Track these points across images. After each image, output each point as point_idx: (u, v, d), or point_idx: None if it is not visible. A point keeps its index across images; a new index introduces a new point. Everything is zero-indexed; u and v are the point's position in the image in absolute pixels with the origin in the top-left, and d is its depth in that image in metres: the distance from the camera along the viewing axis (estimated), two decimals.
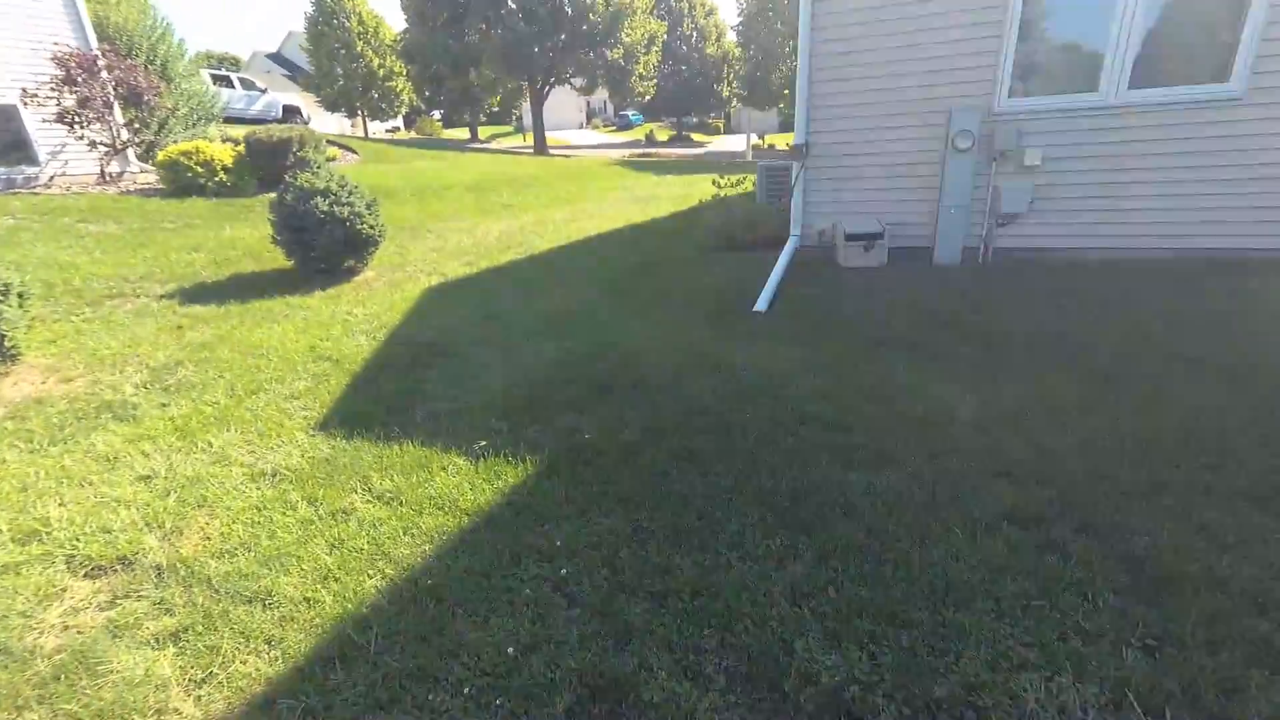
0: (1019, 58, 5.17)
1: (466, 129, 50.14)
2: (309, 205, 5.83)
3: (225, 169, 8.88)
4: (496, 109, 53.63)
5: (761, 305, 4.93)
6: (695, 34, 43.18)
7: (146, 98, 9.26)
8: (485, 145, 36.85)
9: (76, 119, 8.45)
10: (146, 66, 10.83)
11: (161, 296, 5.54)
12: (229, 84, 21.33)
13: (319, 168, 6.21)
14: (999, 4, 5.08)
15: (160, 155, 8.69)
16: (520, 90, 32.57)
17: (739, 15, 27.38)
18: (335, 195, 6.01)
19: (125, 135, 9.72)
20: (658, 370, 3.81)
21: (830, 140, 5.91)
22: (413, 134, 53.12)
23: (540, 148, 27.43)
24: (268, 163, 9.42)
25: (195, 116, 12.20)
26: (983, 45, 5.22)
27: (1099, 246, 5.42)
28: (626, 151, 32.31)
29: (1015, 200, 5.43)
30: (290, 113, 23.41)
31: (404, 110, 43.63)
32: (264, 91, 22.82)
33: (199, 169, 8.62)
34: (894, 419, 3.07)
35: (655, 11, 28.62)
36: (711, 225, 6.99)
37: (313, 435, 3.22)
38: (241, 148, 9.41)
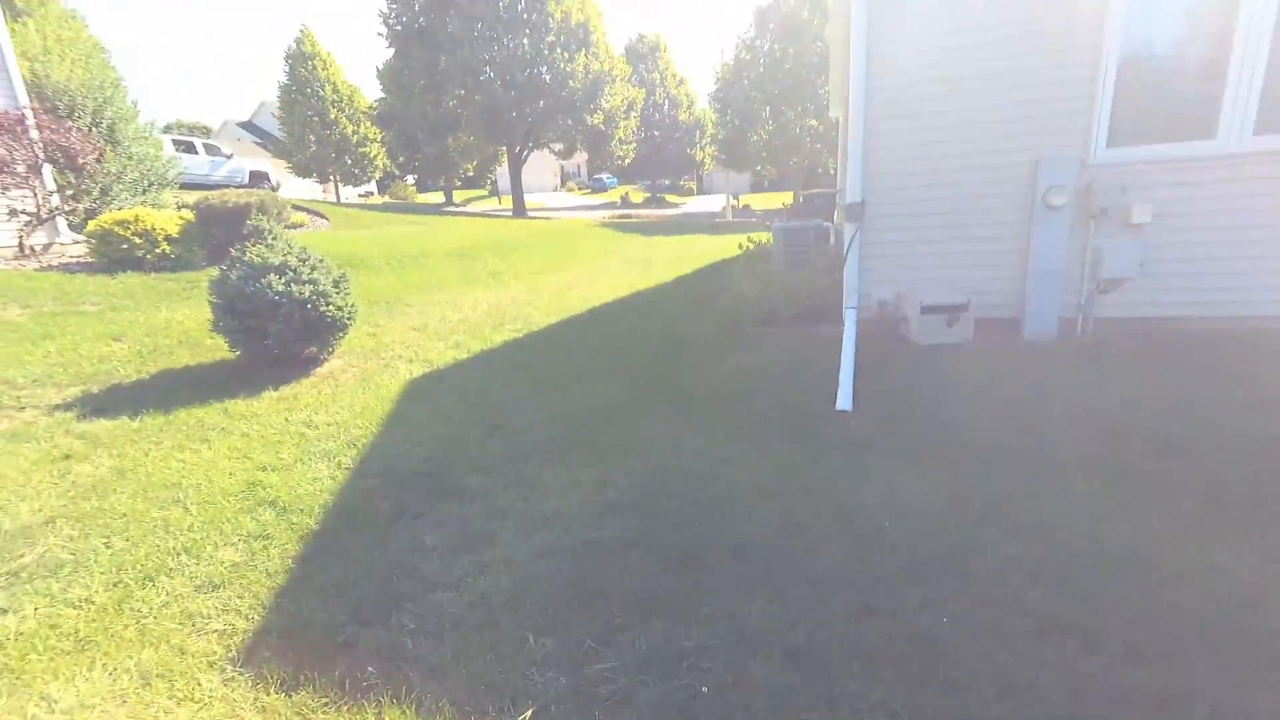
0: (1118, 102, 4.43)
1: (441, 193, 50.07)
2: (259, 285, 4.66)
3: (169, 239, 7.69)
4: (471, 174, 53.90)
5: (844, 403, 3.86)
6: (667, 101, 44.52)
7: (81, 161, 8.12)
8: (462, 209, 36.44)
9: None
10: (91, 129, 9.76)
11: (56, 407, 4.22)
12: (191, 149, 20.38)
13: (274, 239, 5.08)
14: (1091, 43, 4.37)
15: (90, 225, 7.48)
16: (496, 155, 32.47)
17: (715, 82, 27.92)
18: (294, 271, 4.86)
19: (55, 202, 8.50)
20: (756, 520, 2.65)
21: (892, 199, 5.06)
22: (386, 198, 52.85)
23: (519, 210, 26.91)
24: (222, 231, 8.26)
25: (145, 182, 11.06)
26: (1074, 90, 4.48)
27: (1224, 315, 4.56)
28: (605, 213, 32.13)
29: (1120, 263, 4.57)
30: (257, 178, 22.47)
31: (377, 175, 43.36)
32: (229, 157, 21.89)
33: (136, 239, 7.42)
34: (1197, 628, 1.95)
35: (631, 80, 29.15)
36: (744, 295, 6.00)
37: (229, 681, 1.94)
38: (190, 214, 8.26)
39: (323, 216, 15.88)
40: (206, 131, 51.03)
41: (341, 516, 2.90)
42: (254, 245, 4.94)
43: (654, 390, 4.43)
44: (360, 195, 51.62)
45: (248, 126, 48.73)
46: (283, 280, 4.75)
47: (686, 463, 3.23)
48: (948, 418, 3.62)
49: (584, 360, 5.29)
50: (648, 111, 43.55)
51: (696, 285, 8.92)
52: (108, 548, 2.71)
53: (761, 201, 46.06)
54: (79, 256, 8.11)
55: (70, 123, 8.83)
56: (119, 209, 8.77)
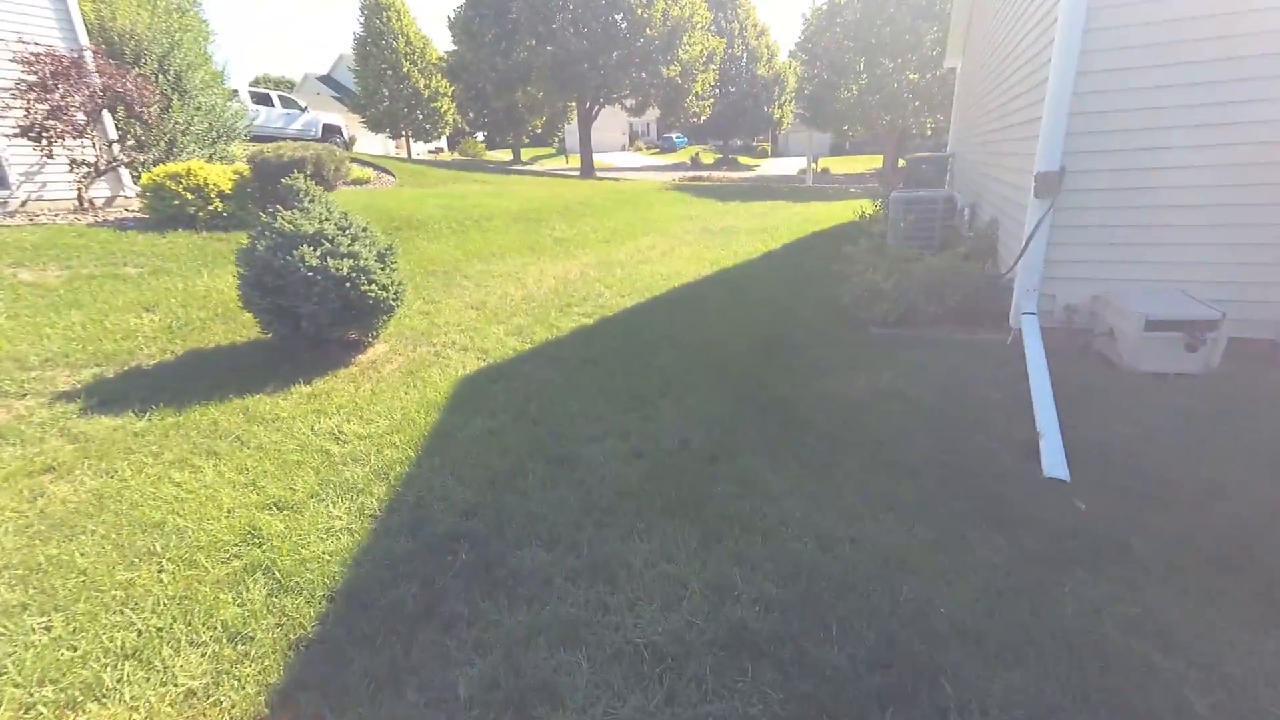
0: None
1: (509, 150, 49.54)
2: (290, 258, 3.88)
3: (222, 196, 7.15)
4: (539, 131, 53.01)
5: (1056, 468, 2.69)
6: (746, 55, 41.65)
7: (140, 109, 7.65)
8: (529, 167, 35.66)
9: (44, 132, 6.85)
10: (157, 76, 9.36)
11: (60, 396, 3.63)
12: (268, 102, 20.33)
13: (311, 200, 4.29)
14: None
15: (144, 177, 7.02)
16: (565, 111, 31.27)
17: (803, 30, 25.35)
18: (332, 242, 4.06)
19: (116, 153, 8.14)
20: (989, 707, 1.62)
21: (1104, 166, 3.70)
22: (455, 155, 52.88)
23: (588, 171, 25.79)
24: (278, 187, 7.68)
25: (214, 134, 10.71)
26: None
27: None
28: (676, 175, 30.54)
29: None
30: (330, 131, 22.31)
31: (448, 131, 43.14)
32: (304, 110, 21.78)
33: (189, 195, 6.91)
34: None
35: (710, 29, 26.98)
36: (871, 285, 4.78)
37: None
38: (246, 168, 7.70)
39: (389, 173, 15.36)
40: (290, 85, 52.27)
41: (351, 608, 2.07)
42: (285, 212, 4.15)
43: (765, 418, 3.39)
44: (430, 152, 51.84)
45: (326, 80, 49.42)
46: (318, 253, 3.96)
47: (841, 562, 2.20)
48: (1239, 502, 2.41)
49: (668, 360, 4.29)
50: (725, 65, 40.83)
51: (791, 264, 7.68)
52: (45, 633, 1.98)
53: (842, 165, 42.87)
54: (136, 211, 7.73)
55: (134, 69, 8.40)
56: (187, 160, 8.36)
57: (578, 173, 26.48)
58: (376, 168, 15.42)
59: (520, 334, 5.03)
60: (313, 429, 3.38)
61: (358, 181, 13.13)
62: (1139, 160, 3.62)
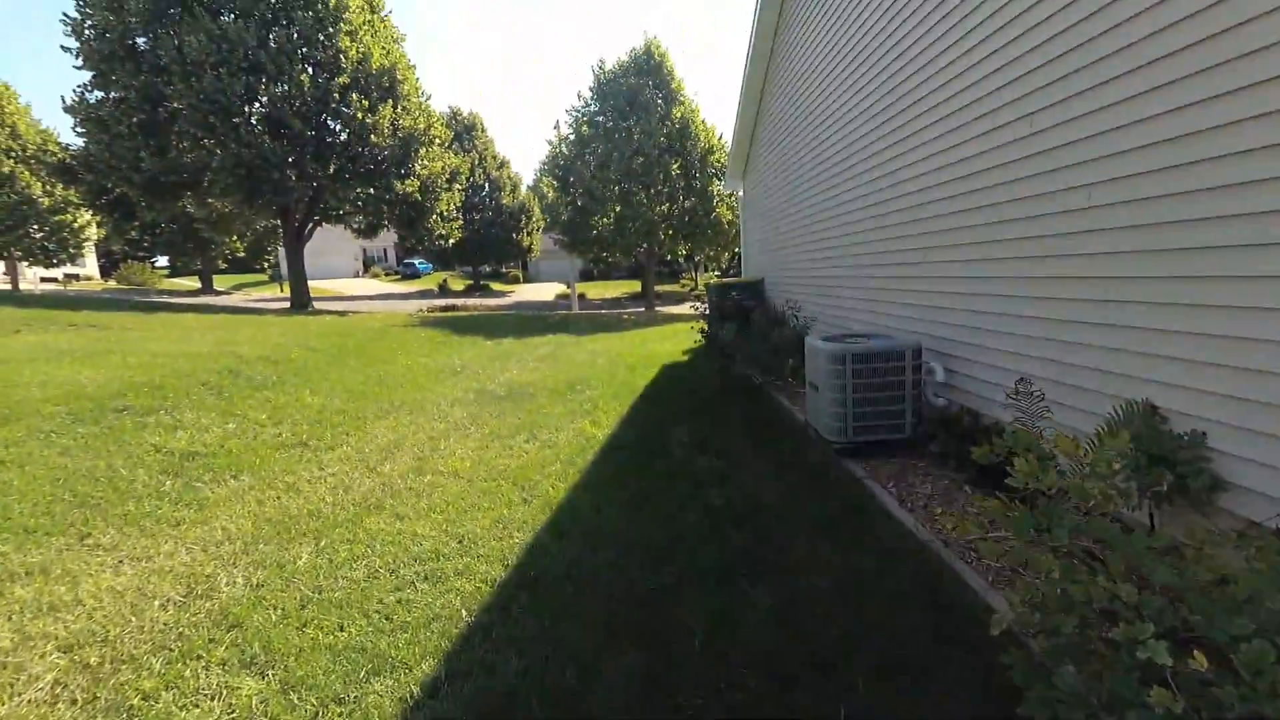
0: None
1: (198, 277, 39.47)
2: None
3: None
4: (241, 253, 43.74)
5: None
6: (488, 183, 40.69)
7: None
8: (222, 299, 27.54)
9: None
10: None
11: None
12: None
13: None
14: None
15: None
16: (274, 229, 24.99)
17: (549, 157, 24.51)
18: None
19: None
20: None
21: None
22: (111, 283, 40.35)
23: (300, 301, 19.91)
24: None
25: None
26: None
27: None
28: (422, 304, 26.14)
29: None
30: None
31: (86, 251, 32.22)
32: None
33: None
34: None
35: (453, 149, 24.53)
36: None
37: None
38: None
39: None
40: None
41: None
42: None
43: None
44: (64, 279, 38.44)
45: None
46: None
47: None
48: None
49: None
50: (469, 192, 39.17)
51: (686, 485, 4.20)
52: None
53: (597, 290, 43.51)
54: None
55: None
56: None
57: (288, 303, 20.38)
58: None
59: None
60: None
61: None
62: None
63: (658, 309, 25.77)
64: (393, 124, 18.08)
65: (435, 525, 3.43)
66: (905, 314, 4.88)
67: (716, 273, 42.37)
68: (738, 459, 4.38)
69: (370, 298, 32.99)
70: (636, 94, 22.98)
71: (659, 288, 33.87)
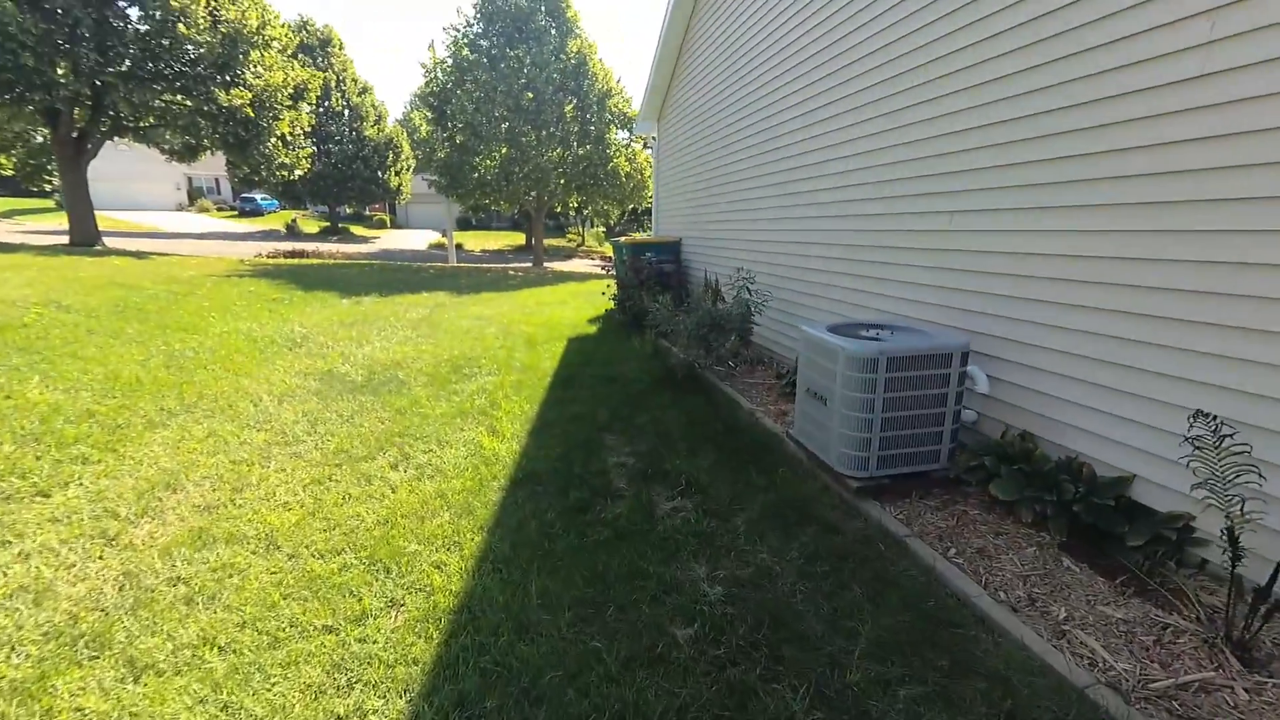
0: None
1: None
2: None
3: None
4: (8, 171, 34.42)
5: None
6: (348, 110, 35.19)
7: None
8: None
9: None
10: None
11: None
12: None
13: None
14: None
15: None
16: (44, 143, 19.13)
17: (425, 85, 21.03)
18: None
19: None
20: None
21: None
22: None
23: (84, 236, 15.42)
24: None
25: None
26: None
27: None
28: (264, 246, 21.89)
29: None
30: None
31: None
32: None
33: None
34: None
35: (301, 63, 20.02)
36: None
37: None
38: None
39: None
40: None
41: None
42: None
43: None
44: None
45: None
46: None
47: None
48: None
49: None
50: (324, 119, 33.52)
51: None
52: None
53: (477, 241, 39.79)
54: None
55: None
56: None
57: (66, 241, 15.76)
58: None
59: None
60: None
61: None
62: None
63: (547, 265, 23.74)
64: (211, 14, 14.09)
65: (201, 710, 1.77)
66: (919, 298, 3.79)
67: (603, 229, 40.46)
68: (714, 500, 3.08)
69: (196, 236, 27.36)
70: (528, 18, 20.22)
71: (545, 242, 31.44)
